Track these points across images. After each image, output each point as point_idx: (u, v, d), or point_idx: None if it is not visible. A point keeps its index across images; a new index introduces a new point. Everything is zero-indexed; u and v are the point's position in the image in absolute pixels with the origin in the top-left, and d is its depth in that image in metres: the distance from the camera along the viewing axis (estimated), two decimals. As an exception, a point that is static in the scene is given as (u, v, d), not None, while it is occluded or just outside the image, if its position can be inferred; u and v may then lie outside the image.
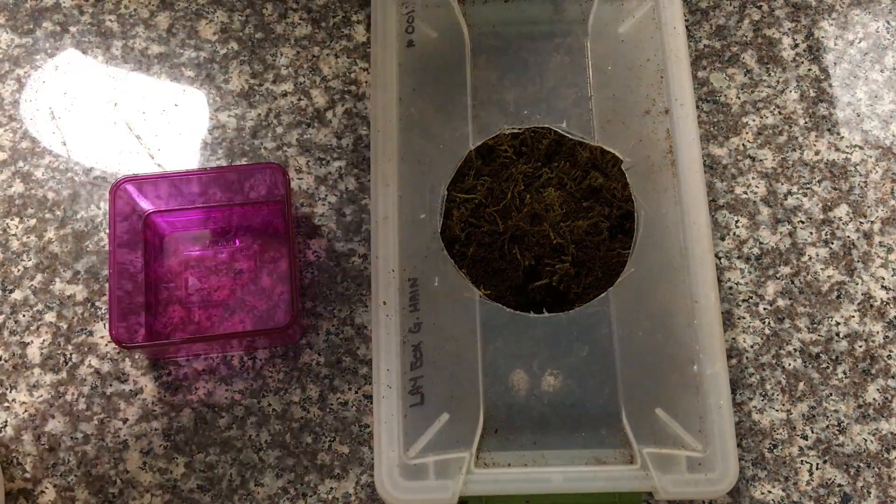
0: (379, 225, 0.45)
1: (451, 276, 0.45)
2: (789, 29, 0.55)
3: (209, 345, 0.48)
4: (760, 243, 0.51)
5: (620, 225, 0.46)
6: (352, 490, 0.47)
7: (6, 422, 0.48)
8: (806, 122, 0.53)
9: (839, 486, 0.47)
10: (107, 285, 0.49)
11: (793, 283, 0.50)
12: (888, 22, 0.55)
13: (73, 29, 0.55)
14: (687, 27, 0.55)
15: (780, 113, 0.53)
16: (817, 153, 0.53)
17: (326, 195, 0.52)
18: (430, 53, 0.48)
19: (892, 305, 0.50)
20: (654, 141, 0.47)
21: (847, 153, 0.53)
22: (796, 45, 0.55)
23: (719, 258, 0.51)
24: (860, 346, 0.49)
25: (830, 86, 0.54)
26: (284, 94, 0.54)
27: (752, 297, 0.50)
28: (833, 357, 0.49)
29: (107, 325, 0.49)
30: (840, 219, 0.51)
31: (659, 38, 0.48)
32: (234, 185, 0.49)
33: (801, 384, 0.48)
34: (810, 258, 0.51)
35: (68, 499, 0.47)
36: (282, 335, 0.46)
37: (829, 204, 0.52)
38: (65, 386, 0.49)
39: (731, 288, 0.50)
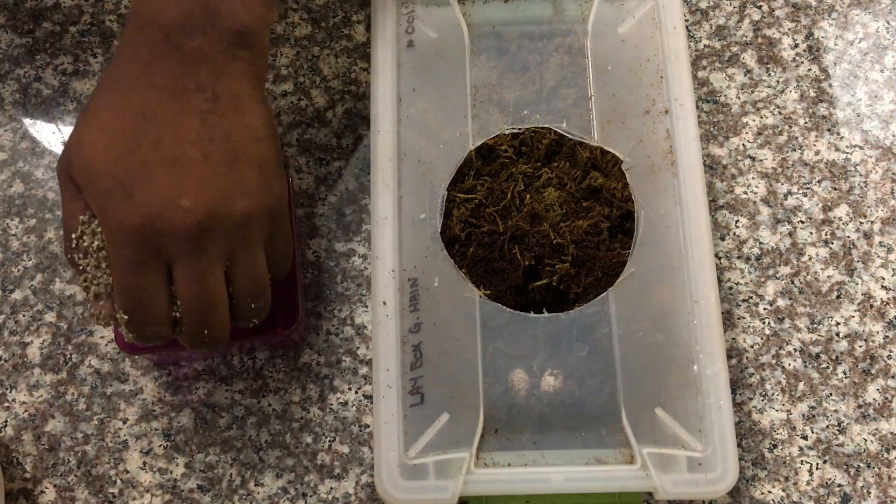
0: (379, 225, 0.45)
1: (451, 276, 0.45)
2: (789, 29, 0.55)
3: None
4: (760, 243, 0.51)
5: (620, 225, 0.46)
6: (352, 490, 0.47)
7: (6, 422, 0.48)
8: (806, 122, 0.53)
9: (839, 486, 0.47)
10: (107, 285, 0.49)
11: (793, 283, 0.50)
12: (888, 22, 0.55)
13: (72, 29, 0.55)
14: (687, 27, 0.55)
15: (780, 113, 0.53)
16: (817, 153, 0.53)
17: (326, 195, 0.52)
18: (430, 53, 0.48)
19: (892, 305, 0.50)
20: (654, 141, 0.47)
21: (847, 153, 0.53)
22: (796, 45, 0.55)
23: (719, 258, 0.51)
24: (860, 346, 0.49)
25: (830, 86, 0.54)
26: (284, 94, 0.54)
27: (752, 297, 0.50)
28: (833, 357, 0.49)
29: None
30: (840, 219, 0.51)
31: (659, 38, 0.48)
32: (234, 185, 0.49)
33: (801, 384, 0.48)
34: (810, 258, 0.51)
35: (68, 499, 0.47)
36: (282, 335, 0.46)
37: (829, 204, 0.52)
38: (65, 386, 0.49)
39: (731, 288, 0.50)
